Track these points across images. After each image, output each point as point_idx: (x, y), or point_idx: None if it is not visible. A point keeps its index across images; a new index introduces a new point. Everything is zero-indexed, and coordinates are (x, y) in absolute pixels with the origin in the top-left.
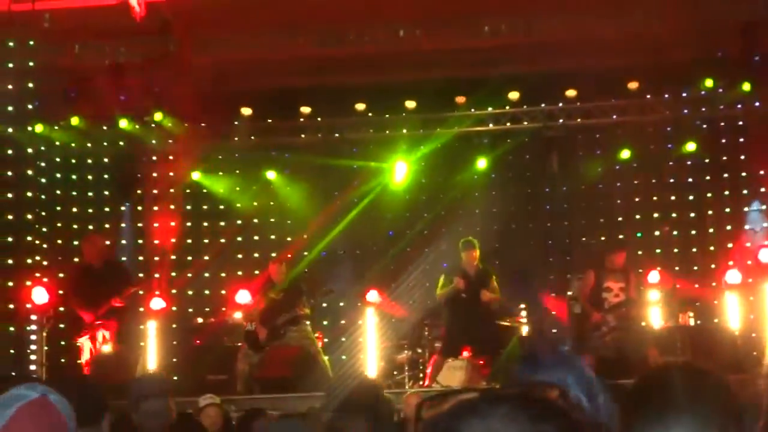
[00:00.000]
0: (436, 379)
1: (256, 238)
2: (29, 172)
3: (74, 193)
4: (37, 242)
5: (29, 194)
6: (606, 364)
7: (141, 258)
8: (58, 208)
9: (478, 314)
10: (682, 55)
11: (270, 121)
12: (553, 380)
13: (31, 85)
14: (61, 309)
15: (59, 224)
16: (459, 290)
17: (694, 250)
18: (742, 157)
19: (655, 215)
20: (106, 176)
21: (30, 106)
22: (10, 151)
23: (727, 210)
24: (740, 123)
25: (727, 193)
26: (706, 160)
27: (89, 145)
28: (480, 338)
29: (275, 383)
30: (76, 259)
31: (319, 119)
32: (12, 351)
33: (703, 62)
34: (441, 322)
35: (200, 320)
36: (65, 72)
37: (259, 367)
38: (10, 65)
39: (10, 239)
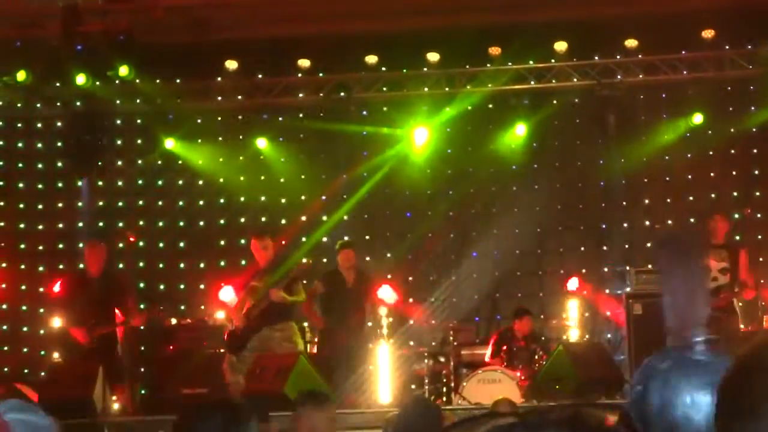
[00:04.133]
0: (462, 395)
1: (242, 220)
2: None
3: (20, 165)
4: None
5: None
6: None
7: (103, 244)
8: (1, 184)
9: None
10: None
11: (260, 76)
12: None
13: None
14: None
15: (1, 203)
16: None
17: None
18: None
19: (735, 194)
20: (59, 144)
21: None
22: None
23: None
24: None
25: None
26: None
27: (38, 105)
28: None
29: (269, 399)
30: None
31: (320, 75)
32: None
33: None
34: (471, 325)
35: (174, 321)
36: (8, 17)
37: (247, 378)
38: None
39: None
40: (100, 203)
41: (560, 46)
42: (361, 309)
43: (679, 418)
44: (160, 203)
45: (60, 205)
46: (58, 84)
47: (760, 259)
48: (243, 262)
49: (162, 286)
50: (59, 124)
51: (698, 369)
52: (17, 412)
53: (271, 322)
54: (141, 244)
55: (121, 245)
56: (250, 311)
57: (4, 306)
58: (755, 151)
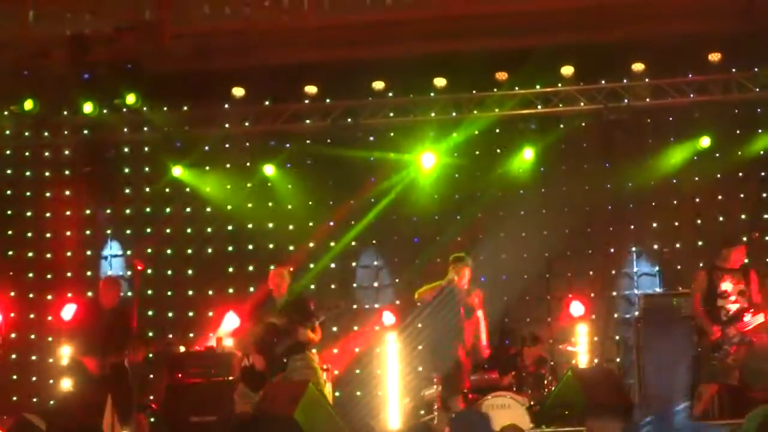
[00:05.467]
0: None
1: (250, 247)
2: None
3: (28, 194)
4: None
5: None
6: (734, 394)
7: (110, 272)
8: (9, 213)
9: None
10: None
11: (267, 103)
12: None
13: None
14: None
15: (9, 232)
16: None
17: None
18: None
19: (743, 216)
20: (66, 173)
21: None
22: None
23: None
24: None
25: None
26: None
27: (46, 134)
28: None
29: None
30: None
31: (327, 101)
32: None
33: None
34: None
35: (182, 349)
36: (16, 45)
37: (259, 405)
38: None
39: None
40: (108, 231)
41: (567, 70)
42: None
43: None
44: (168, 231)
45: (68, 234)
46: (65, 112)
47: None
48: (251, 289)
49: (170, 314)
50: (67, 152)
51: None
52: None
53: (293, 353)
54: (149, 271)
55: (129, 273)
56: (272, 348)
57: (13, 335)
58: (762, 173)
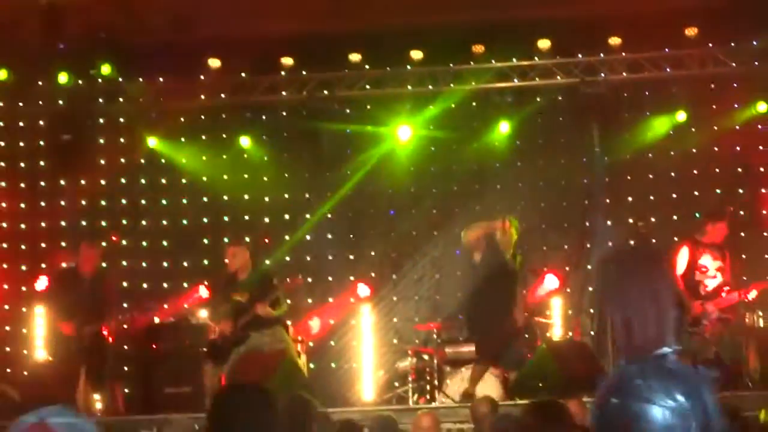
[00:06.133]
0: (445, 392)
1: (226, 219)
2: None
3: (2, 164)
4: None
5: None
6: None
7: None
8: None
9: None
10: None
11: (243, 75)
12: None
13: None
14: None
15: None
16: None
17: (766, 234)
18: None
19: (718, 191)
20: (41, 143)
21: None
22: None
23: None
24: None
25: None
26: None
27: (20, 104)
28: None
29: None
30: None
31: (303, 73)
32: None
33: None
34: (455, 322)
35: (157, 320)
36: None
37: (228, 376)
38: None
39: None
40: (83, 202)
41: (543, 43)
42: None
43: (660, 427)
44: (143, 202)
45: (42, 204)
46: (40, 83)
47: (743, 256)
48: (226, 261)
49: (145, 285)
50: (42, 123)
51: (677, 378)
52: (60, 416)
53: (259, 329)
54: (124, 243)
55: (104, 244)
56: (235, 324)
57: None
58: (738, 148)
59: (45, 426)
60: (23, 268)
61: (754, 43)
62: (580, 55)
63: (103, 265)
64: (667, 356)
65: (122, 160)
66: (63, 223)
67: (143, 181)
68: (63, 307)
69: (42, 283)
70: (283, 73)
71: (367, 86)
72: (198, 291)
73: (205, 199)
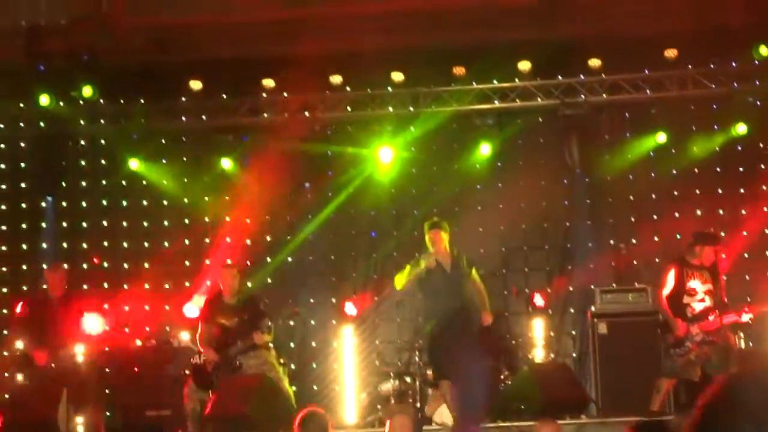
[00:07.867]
0: (427, 414)
1: (207, 240)
2: None
3: None
4: None
5: None
6: (692, 391)
7: (66, 266)
8: None
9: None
10: (731, 18)
11: (225, 96)
12: None
13: None
14: None
15: None
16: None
17: (746, 255)
18: None
19: (698, 212)
20: (22, 165)
21: None
22: None
23: None
24: None
25: None
26: (761, 145)
27: (1, 126)
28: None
29: (231, 422)
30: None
31: (284, 95)
32: None
33: (757, 26)
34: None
35: (139, 342)
36: None
37: (211, 402)
38: None
39: None
40: (64, 224)
41: (524, 65)
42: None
43: None
44: (124, 224)
45: (24, 226)
46: (21, 104)
47: (723, 278)
48: (208, 283)
49: (126, 308)
50: (22, 144)
51: None
52: None
53: (245, 352)
54: (105, 265)
55: (85, 266)
56: (226, 350)
57: None
58: (718, 170)
59: None
60: (4, 290)
61: (733, 64)
62: (560, 77)
63: (85, 287)
64: None
65: (103, 182)
66: (44, 246)
67: (125, 203)
68: (32, 333)
69: (19, 308)
70: (264, 94)
71: (348, 108)
72: (184, 308)
73: (186, 221)
